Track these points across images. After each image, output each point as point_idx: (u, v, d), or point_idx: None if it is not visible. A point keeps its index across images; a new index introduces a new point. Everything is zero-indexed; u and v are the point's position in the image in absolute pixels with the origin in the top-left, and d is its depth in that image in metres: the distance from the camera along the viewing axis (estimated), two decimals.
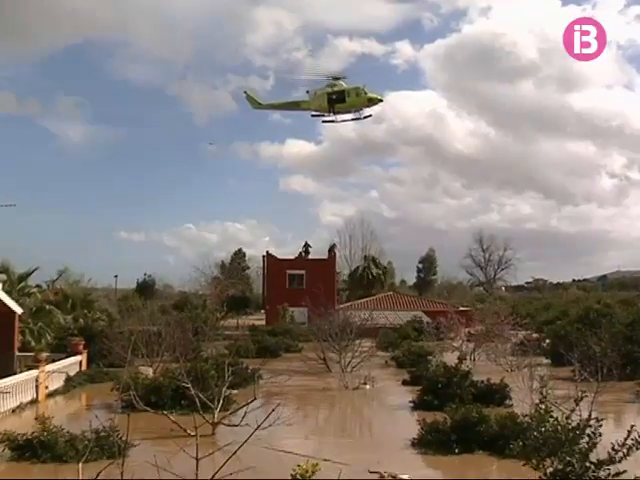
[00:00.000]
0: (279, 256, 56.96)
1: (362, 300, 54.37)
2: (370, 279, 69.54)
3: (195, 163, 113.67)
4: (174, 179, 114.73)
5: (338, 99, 37.83)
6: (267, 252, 56.78)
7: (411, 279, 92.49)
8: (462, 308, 48.58)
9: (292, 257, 57.53)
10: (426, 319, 42.66)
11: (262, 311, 59.95)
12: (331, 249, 58.03)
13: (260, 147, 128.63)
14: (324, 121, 40.48)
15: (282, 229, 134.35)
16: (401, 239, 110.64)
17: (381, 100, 38.79)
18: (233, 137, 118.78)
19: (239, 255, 74.42)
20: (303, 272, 53.64)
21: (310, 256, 57.24)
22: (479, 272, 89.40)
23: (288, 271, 54.01)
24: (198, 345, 26.80)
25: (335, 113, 38.53)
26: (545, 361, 26.46)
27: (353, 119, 40.29)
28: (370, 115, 39.62)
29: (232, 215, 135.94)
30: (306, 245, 56.64)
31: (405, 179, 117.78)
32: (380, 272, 70.99)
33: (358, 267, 72.98)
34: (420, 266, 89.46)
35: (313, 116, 40.08)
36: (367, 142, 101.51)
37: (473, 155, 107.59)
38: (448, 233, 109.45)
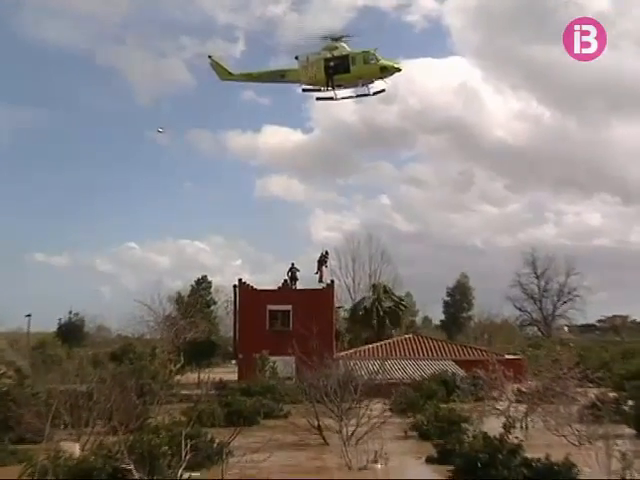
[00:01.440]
0: (256, 286, 56.81)
1: (370, 346, 54.42)
2: (381, 317, 69.47)
3: (138, 158, 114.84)
4: (109, 180, 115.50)
5: (339, 68, 37.96)
6: (239, 280, 56.53)
7: (437, 316, 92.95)
8: (509, 356, 48.43)
9: (274, 287, 57.21)
10: (459, 372, 42.64)
11: (233, 362, 59.46)
12: (322, 260, 57.44)
13: (227, 136, 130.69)
14: (319, 98, 40.58)
15: (259, 249, 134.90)
16: (423, 261, 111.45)
17: (398, 70, 38.95)
18: (190, 123, 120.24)
19: (202, 285, 74.17)
20: (289, 308, 53.37)
21: (299, 285, 56.85)
22: (532, 306, 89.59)
23: (269, 306, 53.75)
24: (145, 410, 27.00)
25: (335, 87, 38.62)
26: (628, 431, 26.37)
27: (359, 96, 40.44)
28: (383, 90, 39.80)
29: (190, 230, 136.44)
30: (292, 270, 56.19)
31: (426, 179, 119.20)
32: (395, 307, 70.95)
33: (364, 300, 72.96)
34: (449, 299, 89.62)
35: (304, 90, 40.25)
36: (374, 129, 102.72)
37: (520, 145, 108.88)
38: (487, 253, 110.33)
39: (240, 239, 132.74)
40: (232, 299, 59.84)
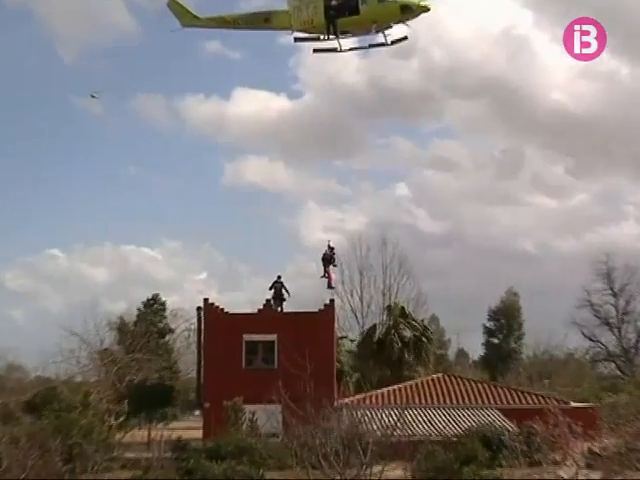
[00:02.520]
0: (228, 308, 56.67)
1: (385, 389, 54.60)
2: (399, 349, 69.38)
3: (63, 134, 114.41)
4: (23, 165, 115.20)
5: (345, 8, 37.76)
6: (205, 301, 56.53)
7: (476, 348, 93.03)
8: (576, 404, 48.17)
9: (252, 310, 57.17)
10: (507, 425, 42.54)
11: (197, 413, 59.36)
12: (328, 257, 56.78)
13: (186, 103, 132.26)
14: (317, 50, 40.41)
15: (231, 257, 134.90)
16: (454, 273, 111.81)
17: (426, 9, 38.57)
18: (135, 85, 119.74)
19: (154, 307, 74.07)
20: (273, 337, 53.54)
21: (286, 307, 56.68)
22: (607, 334, 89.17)
23: (245, 336, 53.93)
24: None
25: (338, 35, 38.46)
26: None
27: (372, 46, 40.23)
28: (405, 38, 39.50)
29: (136, 232, 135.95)
30: (277, 285, 55.95)
31: (458, 161, 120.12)
32: (418, 336, 70.89)
33: (376, 327, 72.98)
34: (492, 324, 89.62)
35: (297, 40, 40.06)
36: (386, 93, 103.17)
37: (587, 113, 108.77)
38: (543, 261, 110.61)
39: (204, 244, 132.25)
40: (195, 327, 59.74)
